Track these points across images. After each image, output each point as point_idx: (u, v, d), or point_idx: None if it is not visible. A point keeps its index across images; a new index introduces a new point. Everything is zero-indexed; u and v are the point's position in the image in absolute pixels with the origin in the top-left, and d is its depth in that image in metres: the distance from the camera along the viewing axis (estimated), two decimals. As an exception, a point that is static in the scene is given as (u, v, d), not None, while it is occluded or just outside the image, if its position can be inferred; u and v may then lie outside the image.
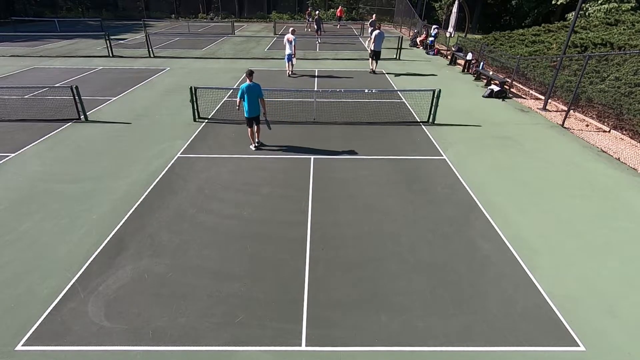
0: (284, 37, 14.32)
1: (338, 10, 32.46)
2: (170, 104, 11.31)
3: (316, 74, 15.07)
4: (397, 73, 15.52)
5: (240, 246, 5.28)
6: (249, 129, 8.16)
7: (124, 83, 13.54)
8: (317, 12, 26.04)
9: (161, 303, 4.34)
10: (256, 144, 8.33)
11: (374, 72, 15.50)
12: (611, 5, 19.76)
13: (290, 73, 14.76)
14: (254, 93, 7.73)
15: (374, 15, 20.84)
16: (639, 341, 3.96)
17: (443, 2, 28.03)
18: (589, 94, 10.68)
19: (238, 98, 7.83)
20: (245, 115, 7.91)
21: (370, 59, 15.60)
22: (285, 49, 14.24)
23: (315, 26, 23.28)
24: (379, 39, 14.84)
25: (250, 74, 7.70)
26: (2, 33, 22.62)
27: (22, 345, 3.83)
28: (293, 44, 14.01)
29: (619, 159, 8.21)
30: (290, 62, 14.55)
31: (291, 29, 14.42)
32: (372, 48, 15.04)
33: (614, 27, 14.75)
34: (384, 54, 19.47)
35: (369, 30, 17.21)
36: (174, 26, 30.66)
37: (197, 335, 3.95)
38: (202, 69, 15.88)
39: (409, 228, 5.72)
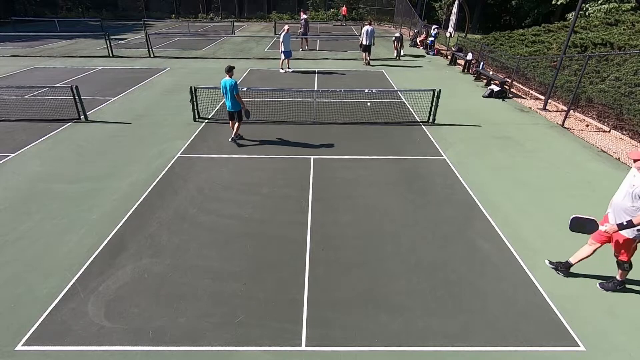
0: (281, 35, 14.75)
1: (343, 9, 33.41)
2: (170, 104, 11.31)
3: (316, 71, 15.15)
4: (395, 65, 15.53)
5: (240, 246, 5.28)
6: (230, 122, 8.60)
7: (124, 83, 13.54)
8: (304, 14, 22.63)
9: (161, 303, 4.34)
10: (233, 137, 8.51)
11: (367, 63, 16.96)
12: (611, 5, 19.74)
13: (287, 69, 15.42)
14: (228, 89, 8.00)
15: (399, 32, 21.11)
16: (639, 341, 3.96)
17: (443, 2, 28.01)
18: (589, 94, 10.67)
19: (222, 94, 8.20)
20: (227, 109, 8.31)
21: (363, 52, 17.09)
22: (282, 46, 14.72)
23: (303, 29, 21.02)
24: (369, 35, 16.20)
25: (228, 70, 7.98)
26: (2, 33, 22.61)
27: (22, 345, 3.82)
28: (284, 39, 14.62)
29: (619, 159, 8.21)
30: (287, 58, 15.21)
31: (286, 26, 14.96)
32: (363, 43, 16.57)
33: (614, 27, 14.73)
34: (383, 53, 19.64)
35: (394, 42, 18.58)
36: (174, 26, 30.64)
37: (197, 335, 3.95)
38: (202, 69, 15.88)
39: (409, 228, 5.72)
